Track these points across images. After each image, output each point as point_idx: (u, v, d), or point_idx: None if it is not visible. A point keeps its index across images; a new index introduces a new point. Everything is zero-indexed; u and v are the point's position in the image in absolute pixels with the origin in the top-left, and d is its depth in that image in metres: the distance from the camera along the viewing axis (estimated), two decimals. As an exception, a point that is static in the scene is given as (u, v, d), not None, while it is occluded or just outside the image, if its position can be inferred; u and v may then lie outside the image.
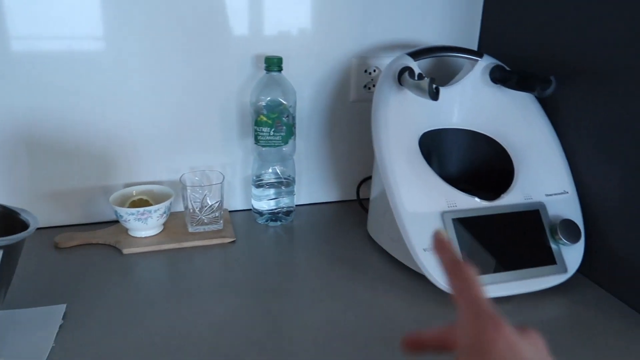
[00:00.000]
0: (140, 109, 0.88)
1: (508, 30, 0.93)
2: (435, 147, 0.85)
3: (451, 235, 0.70)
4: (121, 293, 0.72)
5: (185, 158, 0.93)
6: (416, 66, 0.81)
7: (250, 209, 0.96)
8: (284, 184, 0.93)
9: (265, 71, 0.87)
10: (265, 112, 0.86)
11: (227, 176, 0.96)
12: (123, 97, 0.87)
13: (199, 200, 0.86)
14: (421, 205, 0.72)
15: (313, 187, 1.03)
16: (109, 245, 0.84)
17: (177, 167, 0.93)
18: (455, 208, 0.72)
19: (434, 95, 0.70)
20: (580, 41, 0.76)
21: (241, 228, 0.92)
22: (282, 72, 0.87)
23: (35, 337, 0.61)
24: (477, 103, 0.85)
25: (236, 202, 0.99)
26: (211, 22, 0.86)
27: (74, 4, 0.80)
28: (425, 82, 0.71)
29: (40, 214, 0.87)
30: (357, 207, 1.00)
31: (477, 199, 0.74)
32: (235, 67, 0.90)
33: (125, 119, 0.88)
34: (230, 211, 0.99)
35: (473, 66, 0.85)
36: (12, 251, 0.55)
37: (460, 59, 0.88)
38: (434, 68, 1.01)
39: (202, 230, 0.88)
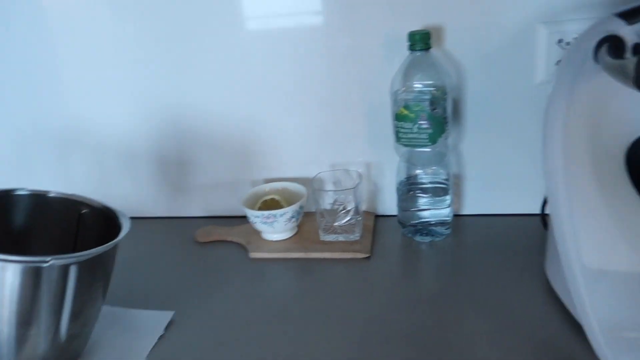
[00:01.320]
0: (282, 100, 0.81)
1: None
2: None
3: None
4: (235, 304, 0.66)
5: (327, 155, 0.83)
6: (634, 34, 0.53)
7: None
8: (436, 191, 0.75)
9: (409, 51, 0.69)
10: (407, 103, 0.69)
11: (375, 177, 0.82)
12: (266, 89, 0.80)
13: (334, 203, 0.75)
14: (614, 260, 0.46)
15: (482, 194, 0.81)
16: (242, 245, 0.80)
17: (317, 163, 0.83)
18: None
19: (645, 83, 0.43)
20: None
21: (383, 241, 0.78)
22: (432, 50, 0.68)
23: (130, 346, 0.60)
24: None
25: (385, 207, 0.85)
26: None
27: None
28: (630, 64, 0.45)
29: (183, 203, 0.91)
30: (539, 225, 0.75)
31: None
32: (380, 48, 0.74)
33: (267, 111, 0.82)
34: (377, 216, 0.85)
35: None
36: (92, 263, 0.53)
37: None
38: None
39: (334, 239, 0.77)
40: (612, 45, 0.50)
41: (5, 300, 0.49)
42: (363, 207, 0.82)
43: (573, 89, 0.53)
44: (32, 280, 0.49)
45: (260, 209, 0.79)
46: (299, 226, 0.81)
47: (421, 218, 0.76)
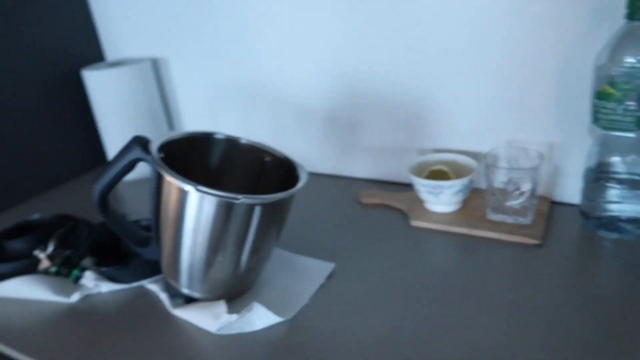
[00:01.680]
0: (460, 66, 0.77)
1: None
2: None
3: None
4: (393, 268, 0.67)
5: (505, 129, 0.78)
6: None
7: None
8: (633, 183, 0.66)
9: (626, 20, 0.60)
10: (614, 80, 0.61)
11: (556, 159, 0.75)
12: (443, 54, 0.77)
13: (508, 183, 0.71)
14: None
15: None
16: (404, 211, 0.80)
17: (492, 138, 0.79)
18: None
19: None
20: None
21: (559, 230, 0.71)
22: (659, 20, 0.59)
23: (295, 288, 0.64)
24: None
25: (565, 193, 0.77)
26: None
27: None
28: None
29: (349, 163, 0.93)
30: None
31: None
32: (592, 17, 0.66)
33: (442, 78, 0.79)
34: (553, 202, 0.78)
35: None
36: (273, 206, 0.57)
37: None
38: None
39: (503, 220, 0.73)
40: None
41: (201, 227, 0.56)
42: (539, 190, 0.76)
43: None
44: (224, 213, 0.55)
45: (427, 178, 0.77)
46: (465, 201, 0.78)
47: (610, 211, 0.67)
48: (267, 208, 0.57)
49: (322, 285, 0.65)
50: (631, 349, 0.50)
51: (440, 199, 0.75)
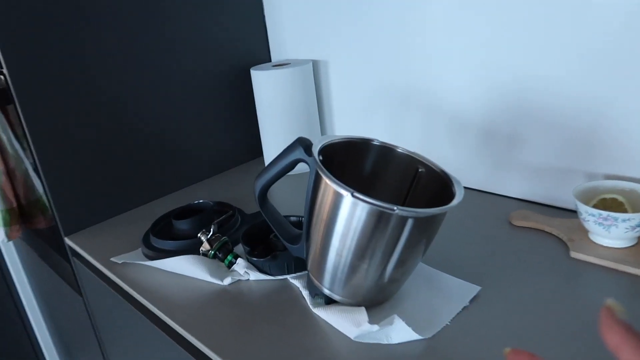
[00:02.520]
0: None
1: None
2: None
3: None
4: (545, 300, 0.62)
5: (702, 160, 0.67)
6: None
7: None
8: None
9: None
10: None
11: None
12: (627, 66, 0.69)
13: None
14: None
15: None
16: (561, 240, 0.73)
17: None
18: None
19: None
20: None
21: None
22: None
23: (436, 306, 0.62)
24: None
25: None
26: None
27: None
28: None
29: (502, 180, 0.88)
30: None
31: None
32: None
33: (623, 93, 0.70)
34: None
35: None
36: (425, 221, 0.56)
37: None
38: None
39: (689, 265, 0.62)
40: None
41: (350, 232, 0.57)
42: None
43: None
44: (376, 221, 0.55)
45: (595, 206, 0.70)
46: (640, 238, 0.69)
47: None
48: (419, 222, 0.56)
49: (465, 308, 0.62)
50: None
51: (612, 232, 0.67)
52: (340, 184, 0.55)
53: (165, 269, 0.78)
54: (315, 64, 1.14)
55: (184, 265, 0.76)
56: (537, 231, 0.77)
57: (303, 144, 0.62)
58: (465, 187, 0.94)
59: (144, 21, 0.98)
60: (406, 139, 1.01)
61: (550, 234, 0.75)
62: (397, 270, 0.59)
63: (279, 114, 1.07)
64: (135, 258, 0.83)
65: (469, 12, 0.82)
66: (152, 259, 0.81)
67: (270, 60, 1.25)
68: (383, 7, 0.94)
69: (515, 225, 0.79)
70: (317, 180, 0.59)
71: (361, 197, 0.54)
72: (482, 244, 0.76)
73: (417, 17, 0.90)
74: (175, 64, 1.05)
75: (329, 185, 0.56)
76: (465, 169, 0.93)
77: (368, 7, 0.97)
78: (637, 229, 0.65)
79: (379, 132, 1.06)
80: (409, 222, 0.55)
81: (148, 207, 1.05)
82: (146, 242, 0.85)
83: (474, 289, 0.64)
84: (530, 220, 0.78)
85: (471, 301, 0.63)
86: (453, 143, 0.94)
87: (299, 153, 0.62)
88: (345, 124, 1.14)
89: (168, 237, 0.85)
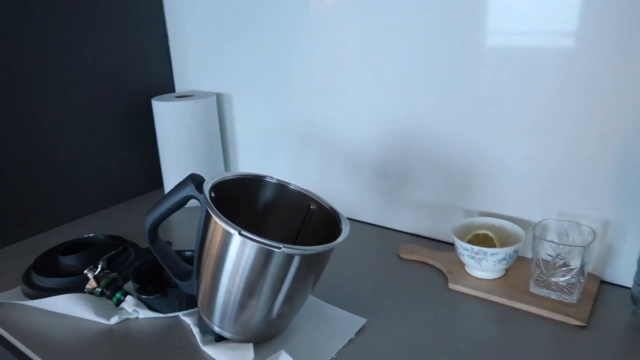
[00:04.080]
0: (515, 128, 0.76)
1: None
2: None
3: None
4: (425, 330, 0.66)
5: (557, 200, 0.76)
6: None
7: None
8: (692, 275, 0.62)
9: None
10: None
11: (610, 238, 0.72)
12: (498, 114, 0.77)
13: (556, 257, 0.69)
14: None
15: None
16: (442, 272, 0.79)
17: (543, 208, 0.77)
18: None
19: None
20: None
21: (606, 313, 0.68)
22: None
23: (324, 339, 0.64)
24: None
25: (617, 274, 0.74)
26: (616, 27, 0.64)
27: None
28: None
29: (393, 215, 0.93)
30: None
31: None
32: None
33: (496, 140, 0.79)
34: (602, 282, 0.75)
35: None
36: (312, 258, 0.58)
37: None
38: None
39: (546, 295, 0.70)
40: None
41: (240, 270, 0.57)
42: (588, 268, 0.73)
43: None
44: (264, 259, 0.56)
45: (470, 241, 0.76)
46: (508, 270, 0.76)
47: (663, 301, 0.64)
48: (306, 259, 0.58)
49: (351, 340, 0.64)
50: None
51: (482, 265, 0.73)
52: (228, 222, 0.56)
53: (46, 309, 0.74)
54: (219, 97, 1.15)
55: (67, 304, 0.72)
56: (423, 264, 0.82)
57: (195, 180, 0.63)
58: (360, 222, 0.99)
59: (44, 46, 0.94)
60: (306, 174, 1.04)
61: (434, 266, 0.81)
62: (285, 306, 0.61)
63: (180, 145, 1.06)
64: (14, 297, 0.77)
65: (368, 54, 0.88)
66: (33, 298, 0.76)
67: (174, 91, 1.24)
68: (285, 44, 0.98)
69: (403, 259, 0.84)
70: (207, 218, 0.59)
71: (248, 235, 0.55)
72: (371, 276, 0.79)
73: (317, 55, 0.94)
74: (75, 90, 1.01)
75: (218, 223, 0.57)
76: (361, 204, 0.98)
77: (270, 42, 1.00)
78: (503, 262, 0.72)
79: (281, 167, 1.08)
80: (296, 260, 0.57)
81: (32, 240, 0.98)
82: (27, 279, 0.80)
83: (360, 321, 0.67)
84: (416, 253, 0.83)
85: (357, 333, 0.66)
86: (349, 179, 0.98)
87: (190, 190, 0.62)
88: (249, 160, 1.15)
89: (53, 274, 0.80)
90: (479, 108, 0.79)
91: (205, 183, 0.62)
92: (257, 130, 1.11)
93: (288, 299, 0.60)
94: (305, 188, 0.70)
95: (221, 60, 1.10)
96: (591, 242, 0.67)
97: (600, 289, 0.73)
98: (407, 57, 0.83)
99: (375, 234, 0.94)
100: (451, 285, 0.75)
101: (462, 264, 0.78)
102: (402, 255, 0.84)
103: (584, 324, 0.65)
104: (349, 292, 0.75)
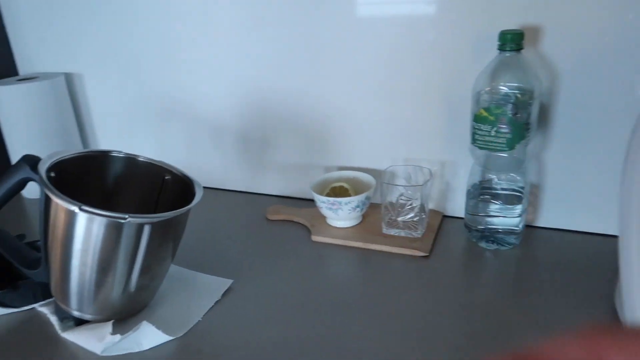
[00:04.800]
0: (363, 90, 0.82)
1: None
2: None
3: None
4: (290, 283, 0.69)
5: (402, 148, 0.83)
6: None
7: (467, 220, 0.79)
8: (509, 198, 0.72)
9: (498, 51, 0.66)
10: (487, 105, 0.67)
11: (447, 176, 0.81)
12: (349, 77, 0.82)
13: (402, 198, 0.75)
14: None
15: (562, 207, 0.76)
16: (306, 227, 0.83)
17: (391, 156, 0.83)
18: None
19: None
20: None
21: (446, 242, 0.76)
22: (523, 52, 0.65)
23: (190, 305, 0.65)
24: None
25: (455, 208, 0.83)
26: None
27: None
28: None
29: (260, 180, 0.96)
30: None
31: None
32: (469, 46, 0.72)
33: (346, 101, 0.83)
34: (444, 216, 0.83)
35: None
36: (164, 225, 0.58)
37: None
38: None
39: (396, 234, 0.77)
40: None
41: (90, 248, 0.56)
42: (431, 205, 0.81)
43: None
44: (112, 233, 0.55)
45: (328, 195, 0.81)
46: (364, 216, 0.82)
47: (489, 224, 0.73)
48: (157, 227, 0.58)
49: (218, 302, 0.66)
50: (497, 351, 0.54)
51: (339, 215, 0.78)
52: (67, 199, 0.54)
53: None
54: (69, 77, 1.07)
55: None
56: (289, 222, 0.86)
57: (30, 161, 0.59)
58: (229, 190, 1.00)
59: None
60: (172, 149, 1.02)
61: (299, 223, 0.85)
62: (144, 277, 0.60)
63: (29, 132, 0.99)
64: None
65: (223, 28, 0.87)
66: None
67: (18, 74, 1.13)
68: (138, 20, 0.94)
69: (270, 220, 0.87)
70: (47, 199, 0.56)
71: (90, 209, 0.53)
72: (239, 240, 0.81)
73: (174, 29, 0.92)
74: None
75: (58, 203, 0.54)
76: (229, 172, 0.99)
77: (121, 16, 0.95)
78: (357, 209, 0.78)
79: (145, 144, 1.05)
80: (146, 229, 0.56)
81: None
82: None
83: (227, 283, 0.69)
84: (282, 213, 0.87)
85: (224, 294, 0.67)
86: (217, 150, 0.98)
87: (25, 172, 0.59)
88: (111, 139, 1.10)
89: None
90: (332, 75, 0.83)
91: (41, 162, 0.59)
92: (115, 109, 1.06)
93: (145, 269, 0.60)
94: (156, 159, 0.69)
95: (68, 39, 1.03)
96: (428, 180, 0.74)
97: (442, 222, 0.81)
98: (264, 31, 0.84)
99: (244, 200, 0.96)
100: (314, 238, 0.79)
101: (324, 217, 0.83)
102: (269, 217, 0.87)
103: (427, 254, 0.73)
104: (217, 258, 0.76)
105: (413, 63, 0.77)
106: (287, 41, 0.83)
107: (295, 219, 0.85)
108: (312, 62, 0.83)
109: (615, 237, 0.63)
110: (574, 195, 0.75)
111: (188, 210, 0.61)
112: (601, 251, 0.71)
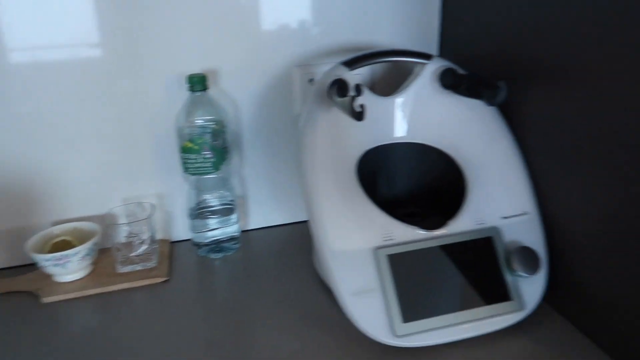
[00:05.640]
0: (63, 139, 0.81)
1: (468, 31, 0.83)
2: (381, 166, 0.75)
3: (386, 276, 0.61)
4: (27, 356, 0.64)
5: (119, 190, 0.86)
6: (354, 77, 0.72)
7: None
8: (224, 211, 0.85)
9: (189, 91, 0.78)
10: (191, 137, 0.78)
11: (167, 206, 0.88)
12: (44, 128, 0.79)
13: (129, 236, 0.79)
14: (350, 242, 0.63)
15: (263, 210, 0.94)
16: (32, 292, 0.77)
17: (109, 199, 0.86)
18: (391, 242, 0.63)
19: (358, 115, 0.61)
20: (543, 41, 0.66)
21: (180, 263, 0.84)
22: (209, 90, 0.79)
23: None
24: (427, 113, 0.75)
25: (180, 232, 0.91)
26: (133, 39, 0.78)
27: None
28: (346, 101, 0.62)
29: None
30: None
31: (418, 230, 0.64)
32: (162, 89, 0.82)
33: (51, 150, 0.81)
34: (173, 242, 0.91)
35: (421, 71, 0.75)
36: None
37: (411, 63, 0.77)
38: (387, 75, 0.91)
39: (132, 269, 0.80)
40: (339, 86, 0.67)
41: None
42: (158, 235, 0.87)
43: (316, 119, 0.69)
44: None
45: (50, 252, 0.77)
46: (95, 264, 0.82)
47: (213, 237, 0.85)
48: None
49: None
50: (242, 340, 0.66)
51: (68, 268, 0.76)
52: None
53: None
54: None
55: None
56: (9, 294, 0.78)
57: None
58: None
59: None
60: None
61: (22, 291, 0.78)
62: None
63: None
64: None
65: None
66: None
67: None
68: None
69: (-15, 299, 0.77)
70: None
71: None
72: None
73: None
74: None
75: None
76: None
77: None
78: (87, 257, 0.78)
79: None
80: None
81: None
82: None
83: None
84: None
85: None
86: None
87: None
88: None
89: None
90: (33, 127, 0.78)
91: None
92: None
93: None
94: None
95: None
96: (151, 213, 0.81)
97: (173, 247, 0.89)
98: None
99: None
100: (45, 300, 0.75)
101: (49, 277, 0.79)
102: (-20, 295, 0.77)
103: (167, 278, 0.79)
104: None
105: (107, 108, 0.80)
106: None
107: (16, 288, 0.78)
108: (7, 113, 0.78)
109: (304, 222, 0.84)
110: (270, 197, 0.94)
111: None
112: (299, 234, 0.91)
